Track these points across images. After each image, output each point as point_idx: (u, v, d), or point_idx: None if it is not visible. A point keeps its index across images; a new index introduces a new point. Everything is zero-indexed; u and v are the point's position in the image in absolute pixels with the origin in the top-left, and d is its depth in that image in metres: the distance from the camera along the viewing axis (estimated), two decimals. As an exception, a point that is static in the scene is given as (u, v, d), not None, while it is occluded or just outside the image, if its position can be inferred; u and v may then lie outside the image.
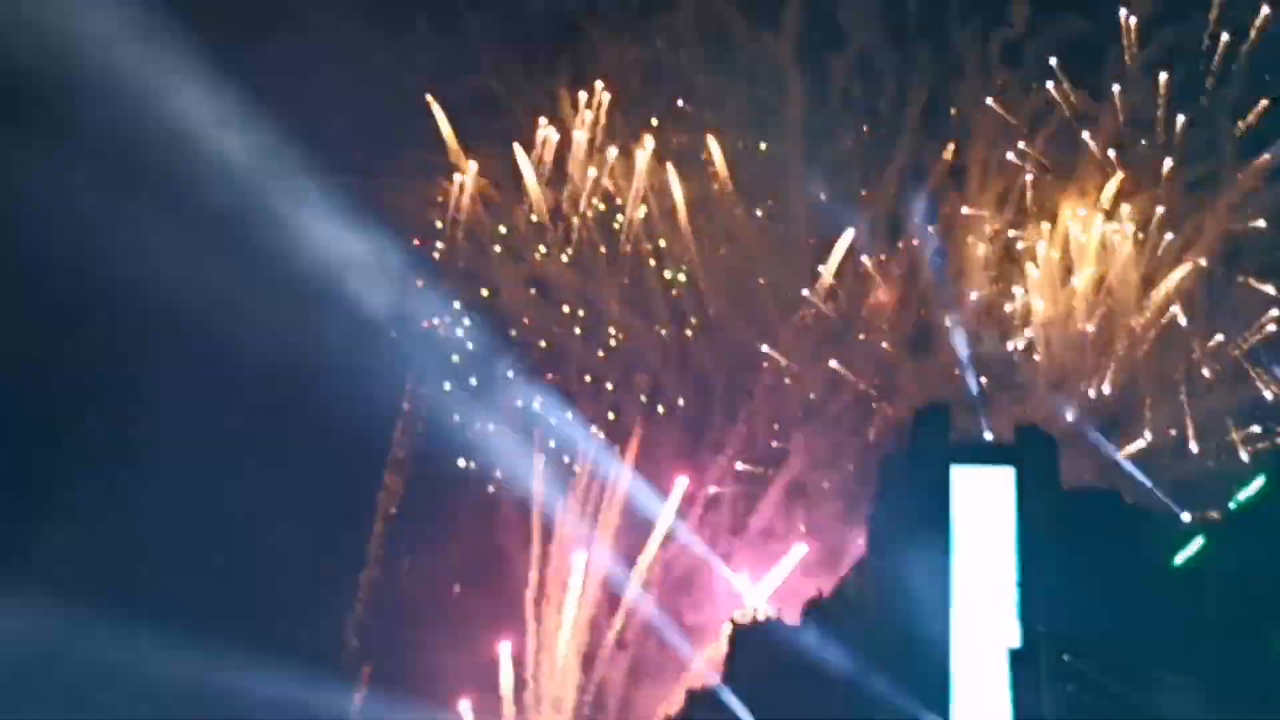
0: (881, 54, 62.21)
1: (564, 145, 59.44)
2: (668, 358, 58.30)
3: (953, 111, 61.61)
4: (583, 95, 59.43)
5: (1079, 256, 59.34)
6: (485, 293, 57.77)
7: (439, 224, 58.13)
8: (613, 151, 59.65)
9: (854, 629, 43.34)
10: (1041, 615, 40.05)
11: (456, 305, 56.27)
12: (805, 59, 61.31)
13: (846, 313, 59.78)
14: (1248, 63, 59.06)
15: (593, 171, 59.40)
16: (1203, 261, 56.96)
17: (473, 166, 58.39)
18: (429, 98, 57.30)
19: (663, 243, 59.58)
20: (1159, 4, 59.89)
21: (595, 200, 59.68)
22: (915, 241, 60.26)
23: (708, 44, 61.46)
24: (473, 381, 54.80)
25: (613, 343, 58.36)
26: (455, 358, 55.15)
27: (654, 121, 59.96)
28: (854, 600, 44.05)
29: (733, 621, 45.92)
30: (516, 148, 58.67)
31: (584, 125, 59.56)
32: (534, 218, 58.99)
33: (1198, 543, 38.99)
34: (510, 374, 55.03)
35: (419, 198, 58.08)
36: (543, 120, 58.75)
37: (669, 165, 59.51)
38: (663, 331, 58.27)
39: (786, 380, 58.12)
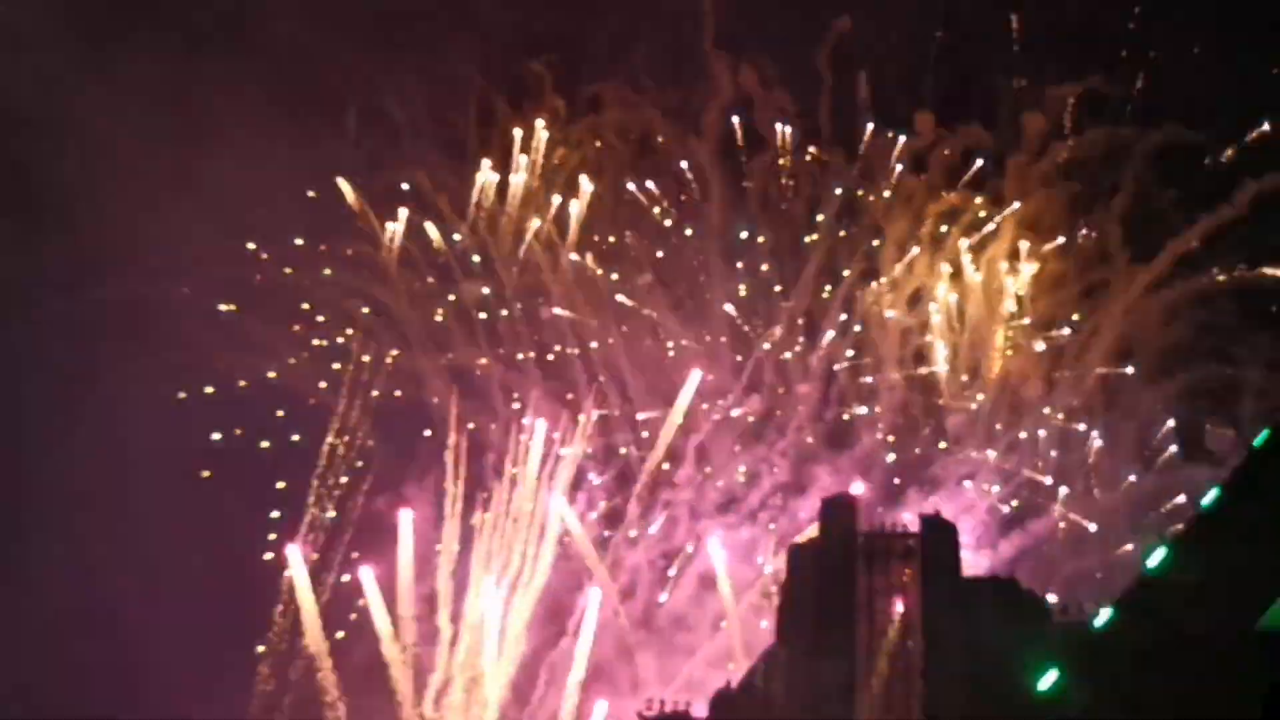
0: (797, 157, 65.00)
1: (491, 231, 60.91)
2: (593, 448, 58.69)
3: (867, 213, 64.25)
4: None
5: (986, 354, 61.34)
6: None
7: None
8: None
9: (761, 715, 43.00)
10: (944, 700, 40.12)
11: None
12: (726, 160, 63.78)
13: (768, 408, 60.87)
14: (1144, 173, 62.30)
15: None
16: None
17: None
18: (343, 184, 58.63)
19: (594, 344, 60.44)
20: (1057, 116, 63.21)
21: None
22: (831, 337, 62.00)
23: (632, 145, 63.73)
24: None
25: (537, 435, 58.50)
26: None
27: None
28: (760, 690, 43.73)
29: (640, 716, 45.20)
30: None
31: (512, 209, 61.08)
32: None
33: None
34: None
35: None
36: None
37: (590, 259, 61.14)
38: (587, 426, 58.69)
39: (707, 470, 58.72)
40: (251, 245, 57.67)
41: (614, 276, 61.04)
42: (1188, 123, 59.33)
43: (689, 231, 63.23)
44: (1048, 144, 62.30)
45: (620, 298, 61.05)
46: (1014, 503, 56.64)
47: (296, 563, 51.47)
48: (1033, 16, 62.46)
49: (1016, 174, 63.26)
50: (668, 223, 63.63)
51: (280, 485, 54.60)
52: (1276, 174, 56.02)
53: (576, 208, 61.76)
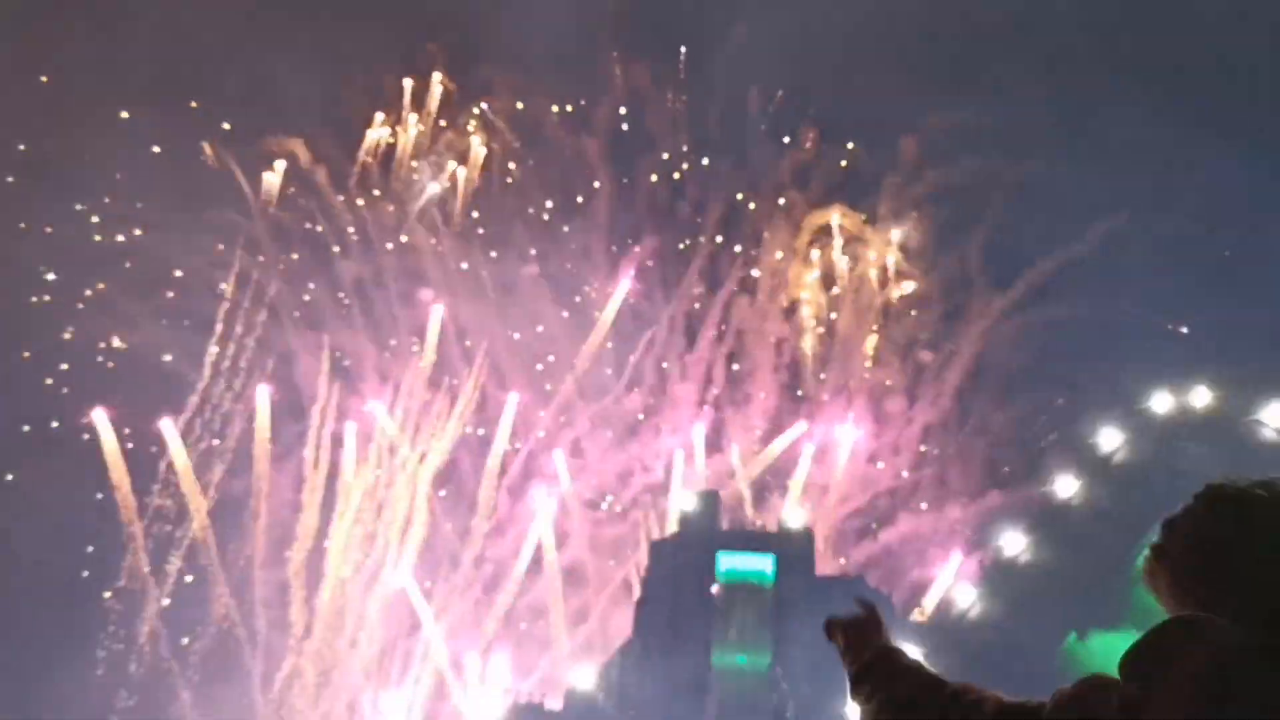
0: (686, 162, 65.90)
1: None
2: (465, 443, 58.04)
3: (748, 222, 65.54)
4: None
5: (849, 367, 63.31)
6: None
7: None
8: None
9: (615, 711, 43.32)
10: (793, 690, 41.19)
11: None
12: (614, 159, 64.12)
13: (648, 407, 61.33)
14: (1005, 206, 65.26)
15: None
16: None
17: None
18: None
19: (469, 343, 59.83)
20: (932, 143, 65.57)
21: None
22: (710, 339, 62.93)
23: (523, 138, 63.43)
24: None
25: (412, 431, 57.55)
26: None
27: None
28: (616, 684, 44.05)
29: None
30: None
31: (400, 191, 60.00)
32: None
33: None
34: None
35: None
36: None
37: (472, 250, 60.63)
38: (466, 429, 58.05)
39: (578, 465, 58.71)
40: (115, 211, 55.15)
41: (493, 254, 60.53)
42: (1049, 161, 62.54)
43: (566, 229, 63.28)
44: (922, 168, 64.74)
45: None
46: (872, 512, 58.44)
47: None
48: (920, 47, 64.72)
49: (892, 194, 65.50)
50: (547, 216, 63.57)
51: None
52: (1121, 215, 59.51)
53: (463, 179, 61.13)
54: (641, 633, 44.70)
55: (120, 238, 55.26)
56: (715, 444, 61.06)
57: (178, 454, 53.41)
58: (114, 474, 52.63)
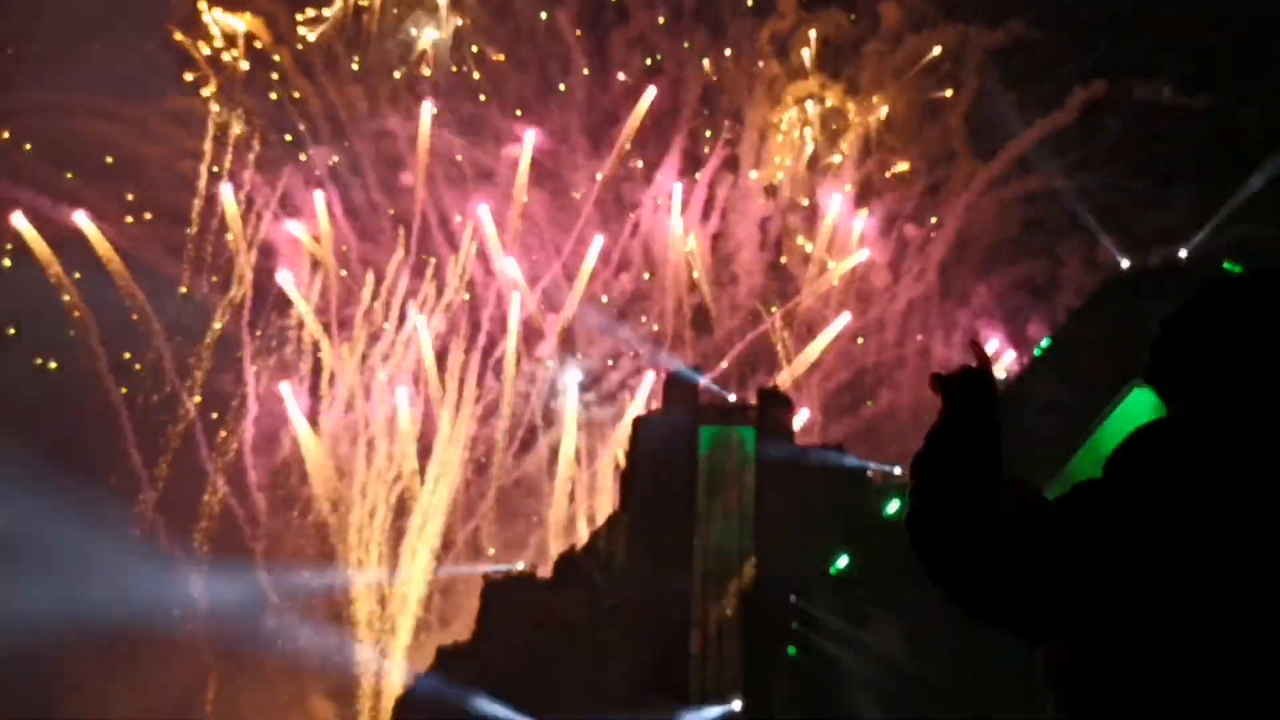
0: (661, 35, 64.56)
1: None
2: (455, 325, 58.39)
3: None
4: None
5: (836, 247, 63.49)
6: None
7: None
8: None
9: (604, 581, 44.99)
10: (773, 561, 42.79)
11: None
12: (588, 33, 62.78)
13: (638, 290, 61.60)
14: (996, 69, 64.37)
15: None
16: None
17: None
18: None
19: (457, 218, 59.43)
20: (912, 8, 64.28)
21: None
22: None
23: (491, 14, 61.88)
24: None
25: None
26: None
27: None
28: (604, 553, 45.60)
29: (485, 578, 46.64)
30: None
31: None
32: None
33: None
34: None
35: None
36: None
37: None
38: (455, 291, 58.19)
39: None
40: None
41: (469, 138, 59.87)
42: (1035, 23, 61.43)
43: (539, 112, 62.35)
44: (903, 36, 63.64)
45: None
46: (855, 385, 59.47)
47: None
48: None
49: (873, 62, 64.50)
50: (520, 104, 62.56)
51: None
52: (1101, 81, 58.93)
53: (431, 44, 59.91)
54: (627, 505, 46.07)
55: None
56: (704, 325, 61.70)
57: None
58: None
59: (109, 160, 53.99)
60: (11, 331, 53.51)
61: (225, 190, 55.01)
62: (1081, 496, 2.46)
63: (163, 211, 55.88)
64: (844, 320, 59.36)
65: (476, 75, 61.12)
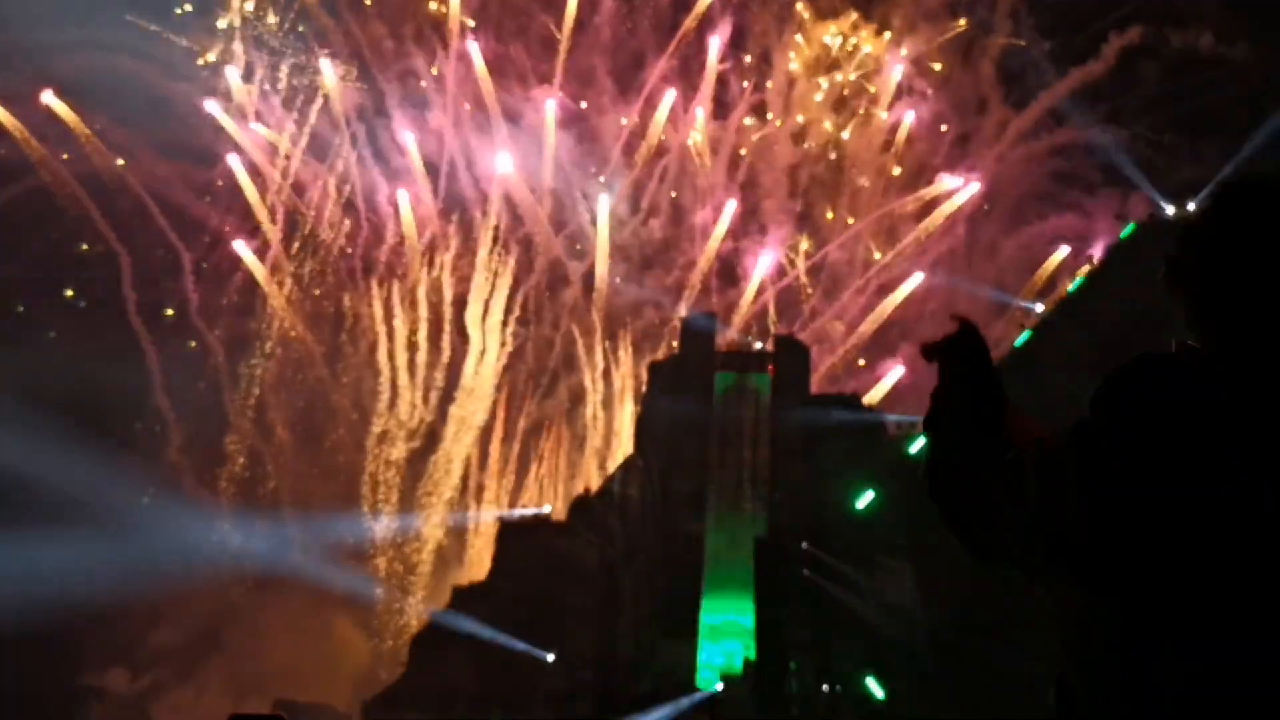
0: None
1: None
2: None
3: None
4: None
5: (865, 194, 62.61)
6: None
7: None
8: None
9: (618, 524, 45.37)
10: (787, 507, 42.92)
11: None
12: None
13: (664, 238, 61.00)
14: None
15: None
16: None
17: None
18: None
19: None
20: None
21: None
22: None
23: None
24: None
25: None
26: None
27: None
28: (619, 496, 45.93)
29: (500, 520, 47.16)
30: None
31: None
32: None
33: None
34: None
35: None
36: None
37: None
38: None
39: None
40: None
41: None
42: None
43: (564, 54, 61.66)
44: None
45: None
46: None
47: None
48: None
49: (906, 4, 63.10)
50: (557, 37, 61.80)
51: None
52: (1138, 27, 57.51)
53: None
54: (642, 450, 46.28)
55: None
56: (730, 277, 61.01)
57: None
58: None
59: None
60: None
61: (234, 162, 55.01)
62: (1084, 435, 2.36)
63: (191, 152, 56.20)
64: (917, 279, 57.83)
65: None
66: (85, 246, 54.62)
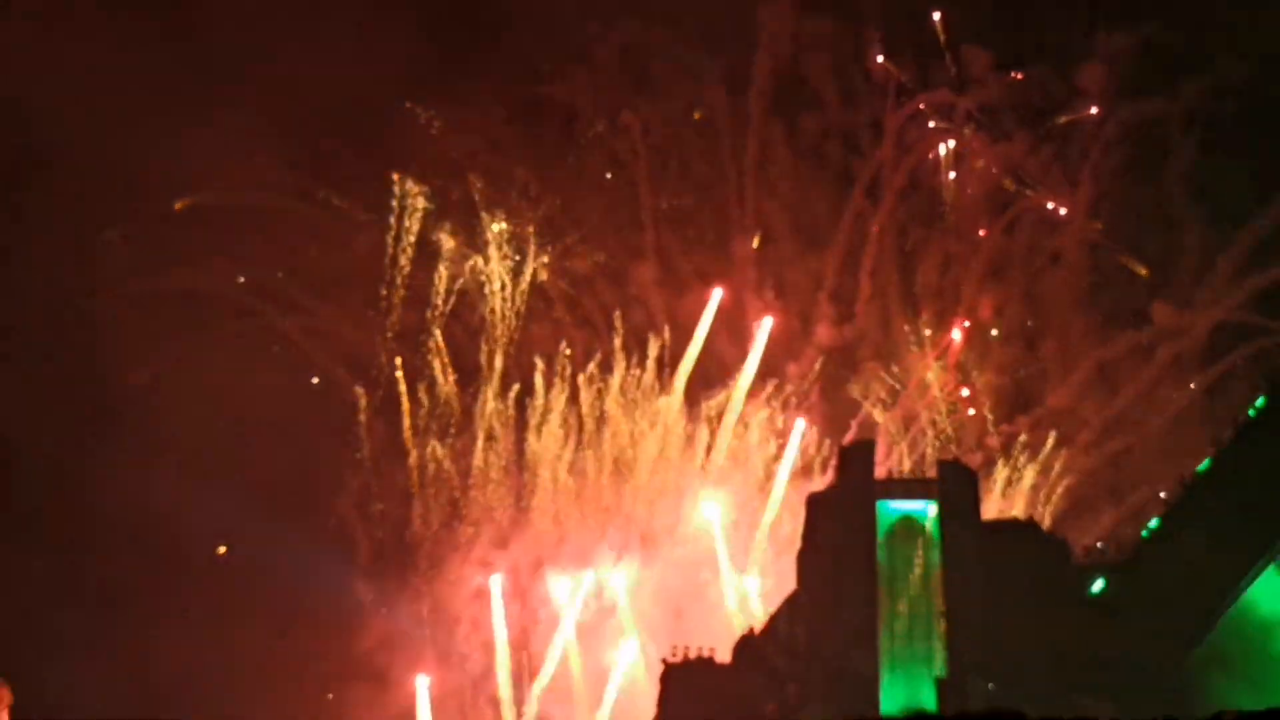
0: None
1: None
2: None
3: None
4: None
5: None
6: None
7: None
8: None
9: (785, 664, 43.78)
10: (966, 644, 40.75)
11: None
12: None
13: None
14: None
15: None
16: None
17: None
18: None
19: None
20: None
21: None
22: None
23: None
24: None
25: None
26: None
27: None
28: (784, 635, 44.44)
29: (664, 661, 46.01)
30: None
31: None
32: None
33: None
34: None
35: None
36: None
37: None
38: None
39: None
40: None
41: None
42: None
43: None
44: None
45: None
46: None
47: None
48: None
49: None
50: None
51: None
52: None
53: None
54: (807, 585, 44.84)
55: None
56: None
57: None
58: None
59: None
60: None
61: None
62: None
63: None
64: None
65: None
66: None
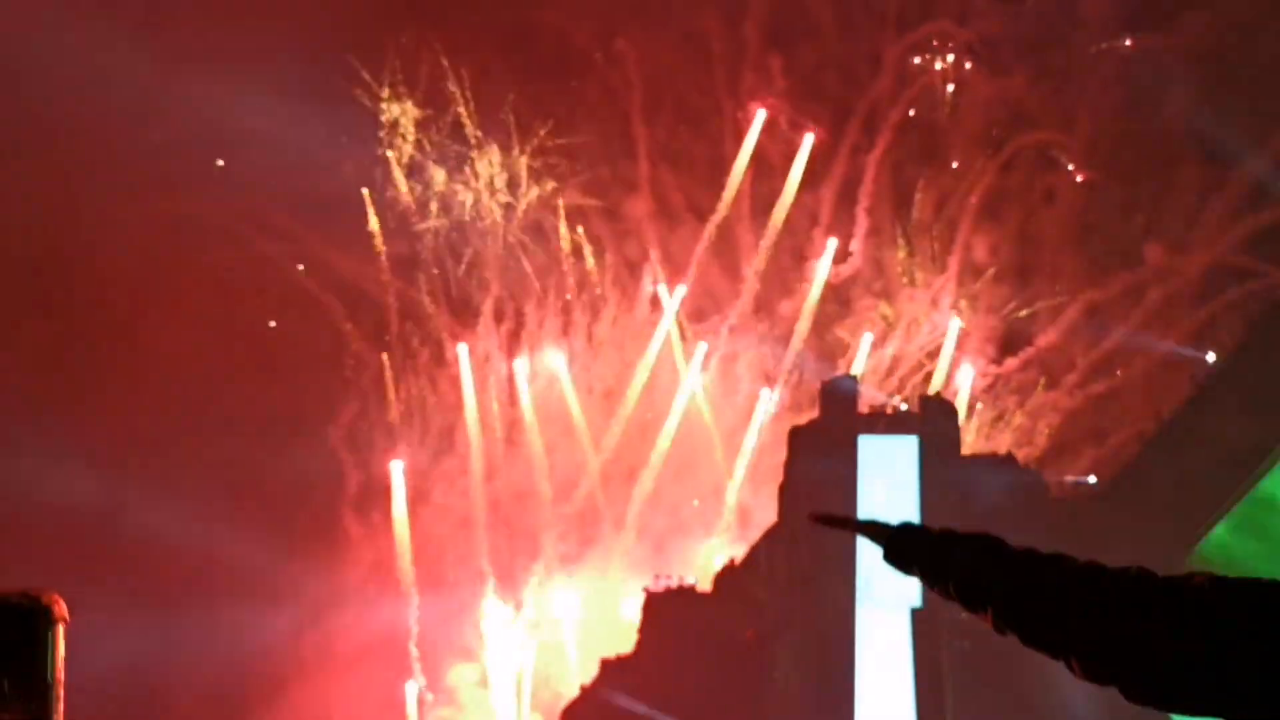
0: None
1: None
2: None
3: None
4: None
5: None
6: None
7: None
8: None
9: (765, 594, 44.39)
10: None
11: None
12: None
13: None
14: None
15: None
16: None
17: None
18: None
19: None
20: None
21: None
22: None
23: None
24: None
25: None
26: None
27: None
28: (764, 566, 44.99)
29: (646, 591, 46.72)
30: None
31: None
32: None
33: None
34: None
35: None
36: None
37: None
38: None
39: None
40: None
41: None
42: None
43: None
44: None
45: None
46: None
47: None
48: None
49: None
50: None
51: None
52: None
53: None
54: (787, 517, 45.27)
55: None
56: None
57: None
58: None
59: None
60: None
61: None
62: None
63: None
64: None
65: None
66: None
